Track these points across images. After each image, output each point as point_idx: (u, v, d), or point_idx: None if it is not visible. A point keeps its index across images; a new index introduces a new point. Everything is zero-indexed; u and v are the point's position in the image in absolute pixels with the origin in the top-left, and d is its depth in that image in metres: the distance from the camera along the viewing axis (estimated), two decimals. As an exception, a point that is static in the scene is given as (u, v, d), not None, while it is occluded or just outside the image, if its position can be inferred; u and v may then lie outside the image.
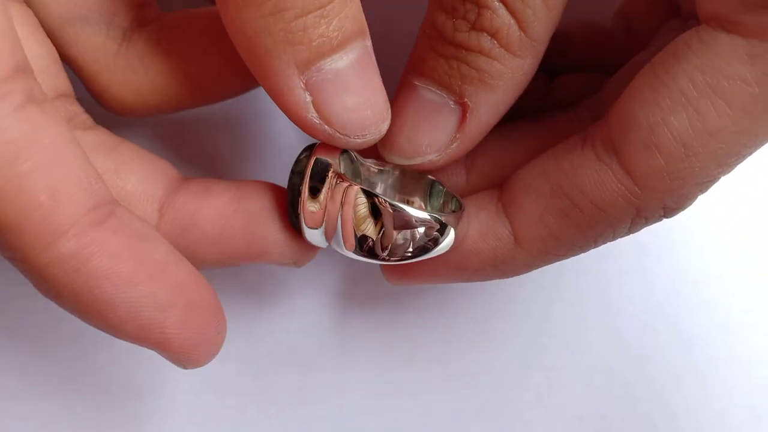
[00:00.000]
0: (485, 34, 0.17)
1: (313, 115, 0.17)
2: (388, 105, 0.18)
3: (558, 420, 0.25)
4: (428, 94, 0.18)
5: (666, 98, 0.17)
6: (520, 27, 0.17)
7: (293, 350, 0.25)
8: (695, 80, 0.16)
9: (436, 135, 0.18)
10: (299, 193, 0.18)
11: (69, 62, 0.20)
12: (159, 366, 0.24)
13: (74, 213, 0.15)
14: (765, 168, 0.26)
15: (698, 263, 0.26)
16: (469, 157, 0.21)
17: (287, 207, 0.19)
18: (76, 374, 0.25)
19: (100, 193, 0.16)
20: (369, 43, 0.17)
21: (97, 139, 0.20)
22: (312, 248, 0.20)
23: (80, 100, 0.20)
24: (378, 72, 0.18)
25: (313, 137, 0.18)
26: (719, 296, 0.26)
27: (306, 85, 0.17)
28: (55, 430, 0.25)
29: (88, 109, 0.20)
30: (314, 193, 0.18)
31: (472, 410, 0.25)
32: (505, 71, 0.18)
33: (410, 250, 0.18)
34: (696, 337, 0.26)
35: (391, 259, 0.18)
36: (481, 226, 0.19)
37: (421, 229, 0.18)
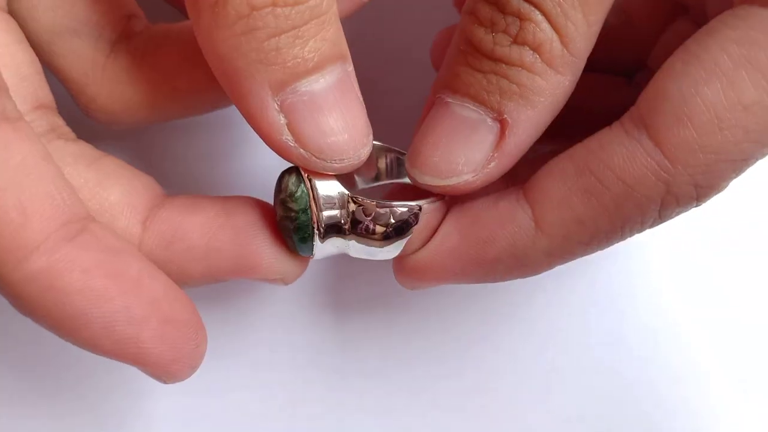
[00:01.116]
0: (527, 48, 0.17)
1: (287, 138, 0.17)
2: (369, 131, 0.17)
3: (559, 420, 0.25)
4: (464, 111, 0.17)
5: (699, 70, 0.16)
6: (562, 42, 0.17)
7: (292, 349, 0.25)
8: (730, 52, 0.16)
9: (472, 154, 0.17)
10: (308, 226, 0.18)
11: (56, 73, 0.20)
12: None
13: (45, 229, 0.15)
14: (766, 167, 0.26)
15: (699, 264, 0.26)
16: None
17: (288, 232, 0.18)
18: (71, 374, 0.24)
19: (72, 209, 0.16)
20: (350, 68, 0.17)
21: (80, 150, 0.19)
22: (301, 264, 0.19)
23: (66, 116, 0.20)
24: (359, 98, 0.17)
25: (288, 161, 0.17)
26: (720, 297, 0.26)
27: (281, 106, 0.16)
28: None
29: (72, 125, 0.20)
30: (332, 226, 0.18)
31: (472, 410, 0.25)
32: (547, 87, 0.17)
33: (392, 221, 0.18)
34: (696, 338, 0.26)
35: (377, 228, 0.18)
36: (499, 212, 0.18)
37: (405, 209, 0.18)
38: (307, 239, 0.18)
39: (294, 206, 0.18)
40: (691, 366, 0.26)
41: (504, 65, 0.17)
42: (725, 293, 0.26)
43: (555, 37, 0.16)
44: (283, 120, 0.16)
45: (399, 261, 0.20)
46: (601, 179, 0.17)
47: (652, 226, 0.18)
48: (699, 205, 0.17)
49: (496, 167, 0.18)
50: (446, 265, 0.19)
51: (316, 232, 0.18)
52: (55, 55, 0.19)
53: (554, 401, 0.25)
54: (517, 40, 0.16)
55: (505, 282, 0.24)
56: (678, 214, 0.17)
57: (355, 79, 0.17)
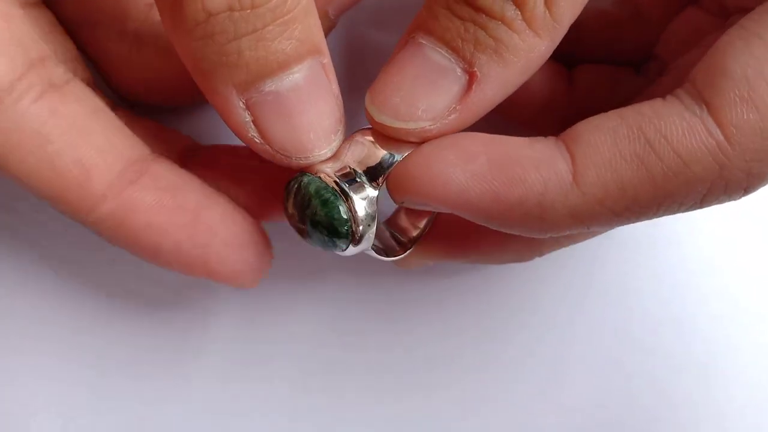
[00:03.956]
0: (511, 3, 0.16)
1: (254, 135, 0.17)
2: (338, 127, 0.18)
3: (561, 411, 0.25)
4: (435, 55, 0.17)
5: (764, 50, 0.16)
6: (546, 4, 0.16)
7: (292, 345, 0.25)
8: None
9: (434, 101, 0.17)
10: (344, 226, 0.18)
11: (88, 57, 0.22)
12: (157, 357, 0.25)
13: (106, 178, 0.18)
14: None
15: (702, 256, 0.26)
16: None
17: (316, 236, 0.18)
18: (81, 355, 0.25)
19: (128, 155, 0.18)
20: (325, 60, 0.17)
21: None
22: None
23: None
24: (332, 92, 0.17)
25: (258, 155, 0.18)
26: (722, 288, 0.26)
27: (246, 105, 0.17)
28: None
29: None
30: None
31: (474, 401, 0.25)
32: (522, 47, 0.16)
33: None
34: (699, 329, 0.26)
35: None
36: (536, 153, 0.17)
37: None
38: (333, 250, 0.18)
39: (332, 238, 0.18)
40: (693, 358, 0.25)
41: (484, 16, 0.16)
42: (728, 285, 0.26)
43: None
44: (248, 117, 0.17)
45: (405, 165, 0.17)
46: (655, 148, 0.16)
47: (688, 210, 0.17)
48: (741, 196, 0.17)
49: (456, 120, 0.17)
50: (463, 187, 0.17)
51: (351, 243, 0.18)
52: (82, 43, 0.21)
53: (556, 393, 0.25)
54: None
55: (508, 273, 0.25)
56: (719, 203, 0.17)
57: (332, 70, 0.17)
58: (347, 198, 0.17)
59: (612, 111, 0.17)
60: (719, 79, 0.16)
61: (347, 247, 0.18)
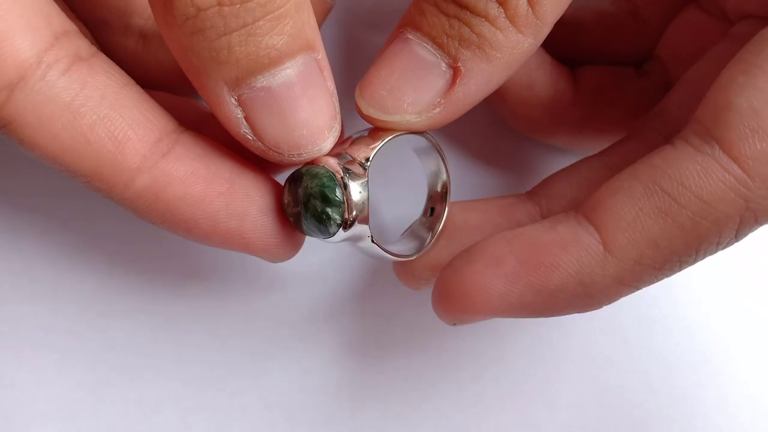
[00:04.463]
0: (494, 1, 0.16)
1: (246, 131, 0.17)
2: (333, 123, 0.17)
3: (555, 409, 0.25)
4: (421, 50, 0.17)
5: (765, 81, 0.16)
6: (530, 2, 0.16)
7: (292, 345, 0.25)
8: None
9: (420, 95, 0.17)
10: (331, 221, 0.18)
11: None
12: (156, 360, 0.24)
13: (140, 150, 0.17)
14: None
15: None
16: (539, 195, 0.21)
17: (309, 223, 0.18)
18: (80, 359, 0.24)
19: (161, 127, 0.17)
20: (319, 56, 0.17)
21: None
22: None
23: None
24: (326, 88, 0.17)
25: (251, 151, 0.18)
26: (717, 286, 0.26)
27: (238, 101, 0.16)
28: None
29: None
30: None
31: (469, 399, 0.25)
32: (506, 44, 0.17)
33: None
34: (693, 327, 0.26)
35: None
36: (560, 236, 0.17)
37: None
38: (326, 229, 0.18)
39: (324, 208, 0.18)
40: (686, 356, 0.25)
41: (468, 13, 0.17)
42: (723, 283, 0.26)
43: None
44: (240, 114, 0.17)
45: (442, 287, 0.18)
46: (675, 197, 0.16)
47: (726, 246, 0.17)
48: None
49: (440, 113, 0.18)
50: (502, 293, 0.17)
51: (341, 228, 0.18)
52: (91, 39, 0.21)
53: (551, 390, 0.25)
54: None
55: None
56: (752, 231, 0.17)
57: (327, 67, 0.17)
58: (343, 182, 0.17)
59: (624, 171, 0.17)
60: (726, 114, 0.16)
61: (338, 230, 0.18)
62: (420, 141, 0.20)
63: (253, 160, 0.19)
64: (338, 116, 0.17)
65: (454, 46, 0.17)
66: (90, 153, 0.16)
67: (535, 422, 0.25)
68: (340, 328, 0.25)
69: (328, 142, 0.17)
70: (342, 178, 0.17)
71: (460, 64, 0.17)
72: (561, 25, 0.24)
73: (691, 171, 0.16)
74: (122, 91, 0.17)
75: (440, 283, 0.18)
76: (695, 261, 0.17)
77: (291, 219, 0.18)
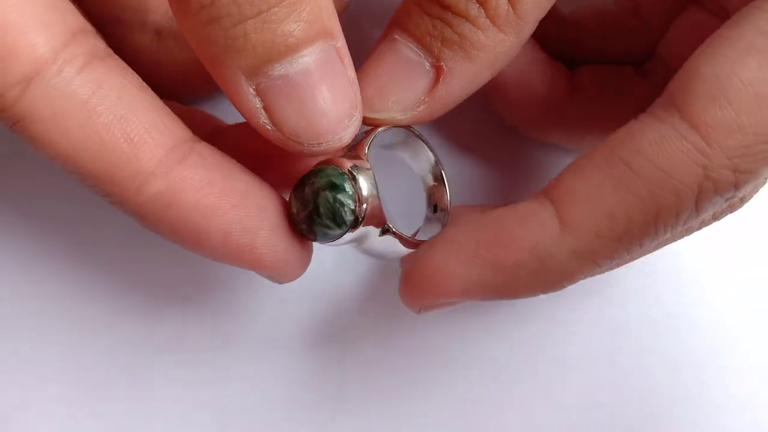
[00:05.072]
0: (474, 1, 0.17)
1: (265, 121, 0.17)
2: (354, 112, 0.17)
3: (558, 408, 0.25)
4: (407, 50, 0.18)
5: (734, 51, 0.16)
6: (510, 1, 0.17)
7: (292, 346, 0.25)
8: (765, 30, 0.16)
9: (405, 93, 0.18)
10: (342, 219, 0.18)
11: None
12: (158, 358, 0.24)
13: (155, 155, 0.16)
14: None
15: (699, 253, 0.26)
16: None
17: (316, 222, 0.18)
18: (81, 358, 0.24)
19: (177, 133, 0.17)
20: (338, 43, 0.16)
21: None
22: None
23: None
24: (346, 76, 0.17)
25: (271, 141, 0.17)
26: (719, 286, 0.26)
27: (256, 90, 0.16)
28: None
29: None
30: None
31: (472, 398, 0.25)
32: (487, 43, 0.17)
33: None
34: (696, 327, 0.26)
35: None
36: (518, 213, 0.17)
37: None
38: (341, 218, 0.18)
39: (336, 195, 0.17)
40: (690, 355, 0.25)
41: (450, 14, 0.17)
42: (725, 283, 0.26)
43: None
44: (258, 104, 0.16)
45: (406, 273, 0.19)
46: (632, 166, 0.16)
47: (688, 220, 0.17)
48: (735, 197, 0.16)
49: (424, 111, 0.18)
50: (461, 273, 0.18)
51: (352, 225, 0.18)
52: (106, 39, 0.20)
53: (554, 390, 0.25)
54: None
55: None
56: (714, 204, 0.17)
57: (347, 54, 0.17)
58: (353, 177, 0.17)
59: (591, 150, 0.17)
60: (689, 82, 0.16)
61: (352, 219, 0.18)
62: (402, 133, 0.20)
63: (265, 177, 0.18)
64: (359, 105, 0.17)
65: (437, 46, 0.17)
66: (104, 153, 0.16)
67: (538, 422, 0.25)
68: (340, 328, 0.25)
69: (349, 132, 0.17)
70: (350, 170, 0.17)
71: (442, 63, 0.17)
72: (561, 24, 0.24)
73: (649, 139, 0.16)
74: (139, 93, 0.17)
75: (404, 269, 0.19)
76: (656, 235, 0.17)
77: (302, 226, 0.18)
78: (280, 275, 0.18)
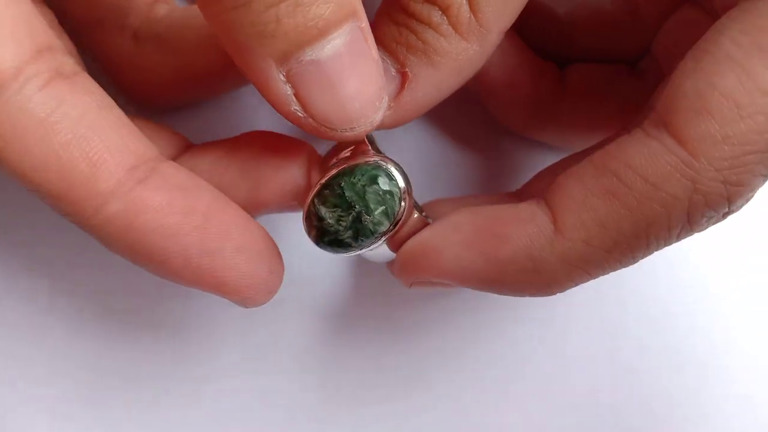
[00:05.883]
0: (437, 9, 0.17)
1: (296, 108, 0.16)
2: (383, 94, 0.17)
3: (558, 408, 0.25)
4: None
5: (712, 63, 0.16)
6: (471, 9, 0.17)
7: (291, 346, 0.25)
8: (740, 42, 0.16)
9: None
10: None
11: (94, 60, 0.21)
12: (152, 360, 0.25)
13: (115, 175, 0.16)
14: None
15: (699, 253, 0.26)
16: (527, 193, 0.21)
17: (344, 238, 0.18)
18: (76, 360, 0.24)
19: (138, 152, 0.17)
20: (363, 24, 0.16)
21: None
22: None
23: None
24: (372, 57, 0.16)
25: (302, 129, 0.17)
26: (720, 285, 0.26)
27: (287, 76, 0.16)
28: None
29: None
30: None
31: (472, 398, 0.25)
32: (449, 50, 0.17)
33: None
34: (696, 326, 0.26)
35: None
36: (518, 212, 0.18)
37: None
38: (392, 207, 0.18)
39: (388, 181, 0.18)
40: (690, 355, 0.25)
41: (415, 21, 0.17)
42: (726, 283, 0.26)
43: (464, 2, 0.17)
44: (290, 90, 0.16)
45: (404, 248, 0.19)
46: (622, 178, 0.17)
47: (681, 234, 0.17)
48: (731, 211, 0.17)
49: (391, 117, 0.18)
50: (455, 256, 0.18)
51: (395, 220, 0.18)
52: (87, 44, 0.21)
53: (553, 389, 0.25)
54: None
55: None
56: (709, 218, 0.17)
57: (370, 34, 0.17)
58: (386, 169, 0.18)
59: (586, 159, 0.18)
60: (675, 100, 0.16)
61: (396, 223, 0.18)
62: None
63: (234, 197, 0.18)
64: (385, 86, 0.17)
65: (402, 53, 0.18)
66: (61, 173, 0.16)
67: (538, 422, 0.25)
68: (339, 328, 0.25)
69: (379, 114, 0.17)
70: (379, 162, 0.18)
71: (407, 69, 0.18)
72: (556, 23, 0.24)
73: (638, 153, 0.16)
74: (102, 112, 0.17)
75: (405, 245, 0.19)
76: (648, 248, 0.17)
77: (344, 235, 0.18)
78: (243, 299, 0.18)
